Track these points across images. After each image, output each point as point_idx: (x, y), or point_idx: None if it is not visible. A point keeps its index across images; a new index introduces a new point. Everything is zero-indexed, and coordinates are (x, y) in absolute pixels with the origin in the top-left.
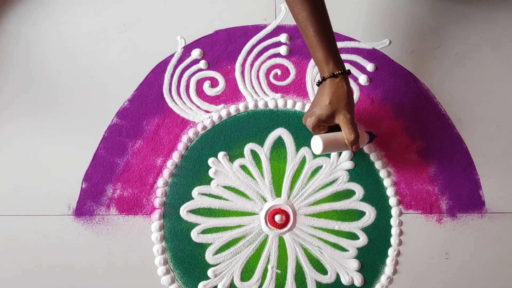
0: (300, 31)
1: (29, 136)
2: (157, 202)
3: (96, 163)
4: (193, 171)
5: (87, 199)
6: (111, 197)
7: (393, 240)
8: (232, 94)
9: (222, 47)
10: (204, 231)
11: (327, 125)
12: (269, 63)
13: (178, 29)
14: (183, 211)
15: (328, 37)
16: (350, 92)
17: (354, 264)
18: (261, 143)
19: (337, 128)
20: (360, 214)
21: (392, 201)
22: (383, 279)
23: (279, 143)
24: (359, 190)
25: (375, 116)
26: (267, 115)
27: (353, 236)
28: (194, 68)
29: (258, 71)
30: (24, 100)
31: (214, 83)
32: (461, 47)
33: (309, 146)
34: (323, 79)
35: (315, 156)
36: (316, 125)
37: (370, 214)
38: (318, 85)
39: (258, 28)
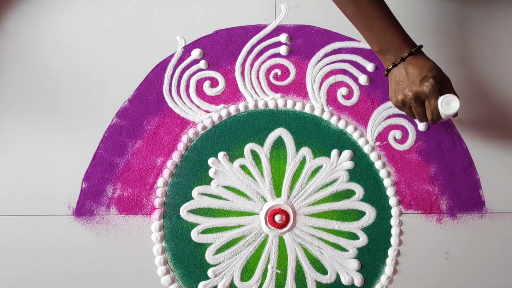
0: (358, 22)
1: (29, 136)
2: (157, 202)
3: (96, 163)
4: (193, 171)
5: (87, 199)
6: (111, 197)
7: (393, 240)
8: (232, 94)
9: (222, 47)
10: (204, 231)
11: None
12: (269, 63)
13: (178, 29)
14: (183, 211)
15: (395, 19)
16: (432, 64)
17: (354, 264)
18: (261, 143)
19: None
20: (360, 214)
21: (392, 201)
22: (383, 279)
23: (279, 143)
24: (359, 190)
25: None
26: (267, 115)
27: (353, 236)
28: (194, 68)
29: (258, 71)
30: (24, 100)
31: (214, 83)
32: (461, 47)
33: (309, 146)
34: (410, 53)
35: (315, 156)
36: (436, 86)
37: (370, 214)
38: (396, 64)
39: (258, 28)
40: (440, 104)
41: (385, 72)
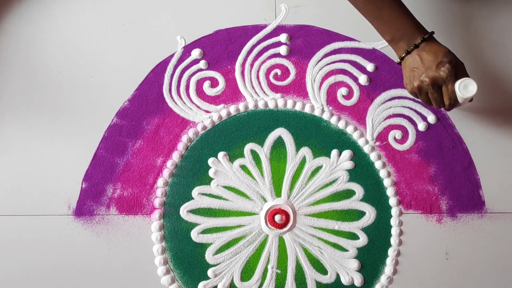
0: (369, 12)
1: (29, 136)
2: (157, 202)
3: (96, 163)
4: (193, 171)
5: (87, 199)
6: (111, 197)
7: (393, 240)
8: (232, 94)
9: (222, 47)
10: (204, 231)
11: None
12: (269, 63)
13: (178, 29)
14: (183, 211)
15: (404, 5)
16: (446, 49)
17: (354, 264)
18: (261, 143)
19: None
20: (360, 214)
21: (392, 201)
22: (383, 279)
23: (279, 143)
24: (359, 190)
25: None
26: (267, 115)
27: (353, 236)
28: (194, 68)
29: (258, 71)
30: (24, 100)
31: (214, 83)
32: (461, 47)
33: (309, 146)
34: (423, 39)
35: (315, 156)
36: (452, 70)
37: (370, 214)
38: (409, 51)
39: (258, 28)
40: (457, 87)
41: (398, 61)
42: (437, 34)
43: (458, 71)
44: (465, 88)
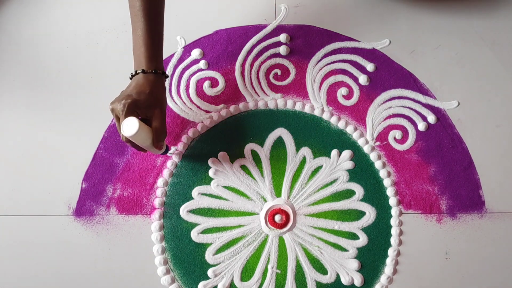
0: (132, 18)
1: (29, 136)
2: (157, 202)
3: (96, 163)
4: (193, 171)
5: (87, 199)
6: (111, 197)
7: (393, 240)
8: (232, 94)
9: (222, 47)
10: (204, 231)
11: (137, 116)
12: (269, 63)
13: (178, 29)
14: (183, 211)
15: (159, 35)
16: (166, 97)
17: (354, 264)
18: (261, 143)
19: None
20: (360, 214)
21: (392, 201)
22: (383, 279)
23: (279, 143)
24: (359, 190)
25: None
26: (267, 115)
27: (353, 236)
28: (194, 68)
29: (258, 71)
30: (24, 100)
31: (214, 83)
32: (460, 47)
33: (309, 146)
34: (144, 71)
35: (315, 156)
36: (131, 107)
37: (370, 214)
38: (134, 75)
39: (258, 28)
40: (123, 123)
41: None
42: (437, 33)
43: (152, 117)
44: (127, 127)
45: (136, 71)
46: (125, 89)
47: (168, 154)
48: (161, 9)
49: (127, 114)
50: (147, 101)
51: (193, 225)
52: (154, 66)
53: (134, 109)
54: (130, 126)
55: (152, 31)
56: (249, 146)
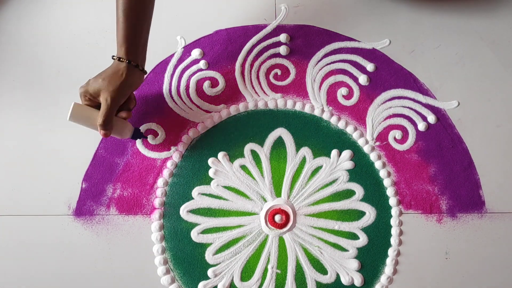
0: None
1: (29, 136)
2: (157, 202)
3: (96, 163)
4: (193, 171)
5: (87, 199)
6: (111, 197)
7: (393, 240)
8: (232, 94)
9: (222, 47)
10: (204, 231)
11: (95, 100)
12: (269, 63)
13: (178, 29)
14: (183, 211)
15: (136, 24)
16: (127, 83)
17: (354, 264)
18: (261, 143)
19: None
20: (360, 214)
21: (392, 201)
22: (383, 279)
23: (279, 143)
24: (359, 190)
25: None
26: (267, 115)
27: (353, 236)
28: (194, 68)
29: (258, 71)
30: (24, 100)
31: (214, 83)
32: (460, 47)
33: (309, 146)
34: (112, 57)
35: (315, 156)
36: (82, 94)
37: (370, 214)
38: (112, 58)
39: (258, 28)
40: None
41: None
42: (437, 33)
43: (100, 98)
44: (69, 112)
45: (112, 56)
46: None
47: (137, 140)
48: (146, 4)
49: (80, 100)
50: (95, 88)
51: (193, 225)
52: (121, 53)
53: (85, 95)
54: (69, 111)
55: (129, 18)
56: (249, 146)
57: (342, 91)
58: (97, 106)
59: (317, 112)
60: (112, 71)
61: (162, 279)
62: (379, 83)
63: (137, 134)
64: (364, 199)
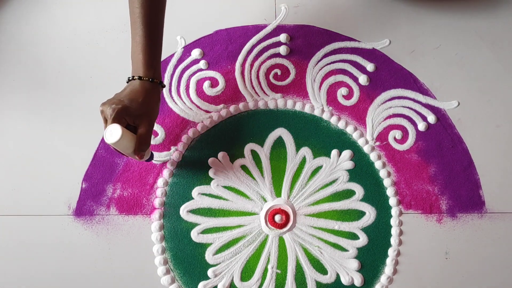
0: (131, 24)
1: (29, 136)
2: (157, 202)
3: (96, 163)
4: (193, 171)
5: (87, 199)
6: (111, 197)
7: (393, 240)
8: (232, 94)
9: (222, 47)
10: (204, 231)
11: (125, 122)
12: (269, 63)
13: (178, 29)
14: (183, 211)
15: (157, 43)
16: (159, 106)
17: (354, 264)
18: (261, 143)
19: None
20: (360, 214)
21: (392, 201)
22: (383, 279)
23: (279, 143)
24: (359, 190)
25: None
26: (267, 115)
27: (353, 236)
28: (194, 68)
29: (258, 71)
30: (24, 100)
31: (214, 83)
32: (460, 47)
33: (309, 146)
34: (140, 78)
35: (315, 156)
36: (120, 112)
37: (370, 214)
38: (130, 79)
39: (258, 28)
40: (106, 130)
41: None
42: (437, 33)
43: (141, 124)
44: (111, 134)
45: (133, 76)
46: (119, 92)
47: (153, 161)
48: (161, 17)
49: (115, 120)
50: (137, 110)
51: (193, 225)
52: (151, 74)
53: (123, 116)
54: (113, 134)
55: (151, 39)
56: (249, 146)
57: (342, 91)
58: (127, 127)
59: (317, 112)
60: (148, 93)
61: (162, 279)
62: (379, 83)
63: (152, 157)
64: (364, 199)
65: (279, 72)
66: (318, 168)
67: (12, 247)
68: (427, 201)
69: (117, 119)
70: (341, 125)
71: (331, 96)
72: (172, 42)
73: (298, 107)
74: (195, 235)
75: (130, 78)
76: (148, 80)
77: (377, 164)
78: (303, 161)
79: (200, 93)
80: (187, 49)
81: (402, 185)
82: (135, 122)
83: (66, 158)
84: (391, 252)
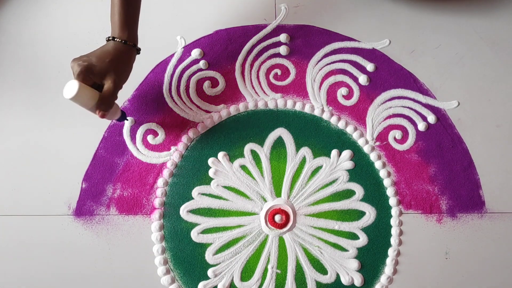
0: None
1: (29, 136)
2: (157, 202)
3: (96, 163)
4: (193, 171)
5: (87, 199)
6: (111, 197)
7: (393, 240)
8: (232, 94)
9: (222, 47)
10: (204, 231)
11: (91, 80)
12: (269, 63)
13: (178, 29)
14: (183, 211)
15: (134, 5)
16: (130, 68)
17: (354, 264)
18: (261, 143)
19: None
20: (360, 214)
21: (392, 201)
22: (383, 279)
23: (279, 143)
24: (359, 190)
25: None
26: (267, 115)
27: (353, 236)
28: (194, 68)
29: (258, 71)
30: (24, 100)
31: (214, 83)
32: (460, 47)
33: (309, 146)
34: (114, 39)
35: (315, 156)
36: (84, 70)
37: (370, 214)
38: (107, 40)
39: (258, 28)
40: (67, 84)
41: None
42: (437, 33)
43: (105, 82)
44: (68, 90)
45: (109, 37)
46: (94, 51)
47: (125, 121)
48: None
49: (79, 77)
50: (103, 69)
51: (193, 225)
52: (125, 36)
53: (88, 74)
54: (70, 90)
55: (127, 1)
56: (249, 146)
57: (342, 91)
58: (93, 85)
59: (317, 112)
60: (119, 53)
61: (162, 279)
62: (379, 83)
63: (123, 117)
64: (364, 199)
65: (279, 72)
66: (318, 168)
67: (12, 247)
68: (427, 201)
69: (81, 76)
70: (341, 125)
71: (331, 96)
72: (172, 42)
73: (298, 107)
74: (195, 235)
75: (106, 39)
76: (121, 42)
77: (377, 164)
78: (303, 161)
79: (200, 93)
80: (187, 49)
81: (402, 185)
82: (101, 81)
83: (66, 158)
84: (391, 252)
